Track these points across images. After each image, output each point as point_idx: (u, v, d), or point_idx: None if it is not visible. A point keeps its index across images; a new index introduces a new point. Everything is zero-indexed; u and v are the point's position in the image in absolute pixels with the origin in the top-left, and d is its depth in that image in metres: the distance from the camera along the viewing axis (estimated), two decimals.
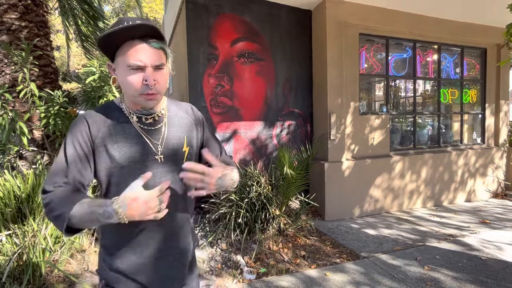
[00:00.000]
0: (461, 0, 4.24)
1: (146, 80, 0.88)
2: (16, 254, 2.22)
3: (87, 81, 3.22)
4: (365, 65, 4.53)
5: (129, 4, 18.45)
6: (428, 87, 5.63)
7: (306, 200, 3.59)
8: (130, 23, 0.83)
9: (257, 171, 3.59)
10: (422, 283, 2.43)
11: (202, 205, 3.44)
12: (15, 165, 3.39)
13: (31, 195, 2.64)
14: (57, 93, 3.35)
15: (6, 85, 3.26)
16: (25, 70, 3.28)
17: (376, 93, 5.32)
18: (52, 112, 3.23)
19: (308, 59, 4.37)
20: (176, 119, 1.05)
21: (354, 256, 2.94)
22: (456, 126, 5.52)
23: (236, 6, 3.87)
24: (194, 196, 1.09)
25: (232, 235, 3.00)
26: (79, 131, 0.90)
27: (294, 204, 3.84)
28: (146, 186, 0.94)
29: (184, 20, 3.74)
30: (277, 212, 3.25)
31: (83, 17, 5.10)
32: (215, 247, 3.01)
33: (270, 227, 3.17)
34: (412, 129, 4.99)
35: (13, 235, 2.40)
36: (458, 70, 5.36)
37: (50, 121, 3.23)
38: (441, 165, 4.82)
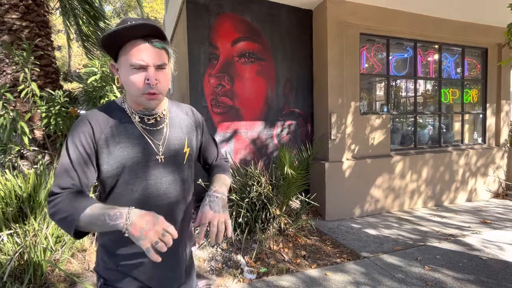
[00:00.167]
0: (461, 0, 4.24)
1: (148, 80, 0.88)
2: (17, 254, 2.22)
3: (88, 81, 3.22)
4: (366, 65, 4.53)
5: (130, 4, 18.46)
6: (429, 87, 5.63)
7: (307, 200, 3.59)
8: (134, 23, 0.84)
9: (258, 171, 3.59)
10: (422, 283, 2.43)
11: None
12: (16, 164, 3.40)
13: (32, 195, 2.64)
14: (58, 93, 3.35)
15: (7, 85, 3.27)
16: (26, 70, 3.29)
17: (376, 93, 5.31)
18: (53, 112, 3.24)
19: (308, 59, 4.37)
20: (177, 120, 1.06)
21: (355, 256, 2.94)
22: (457, 126, 5.51)
23: (236, 6, 3.87)
24: (194, 196, 1.09)
25: (233, 235, 3.00)
26: (81, 133, 0.90)
27: (295, 204, 3.84)
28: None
29: (184, 20, 3.75)
30: (278, 212, 3.26)
31: (84, 17, 5.11)
32: (215, 246, 3.01)
33: (271, 226, 3.18)
34: (412, 129, 4.98)
35: (14, 234, 2.40)
36: (459, 70, 5.36)
37: (51, 121, 3.24)
38: (442, 165, 4.82)
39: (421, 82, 5.39)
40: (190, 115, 1.12)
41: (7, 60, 3.59)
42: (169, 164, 0.99)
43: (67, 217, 0.82)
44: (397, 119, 5.13)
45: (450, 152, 4.93)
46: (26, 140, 3.08)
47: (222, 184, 1.06)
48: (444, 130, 5.41)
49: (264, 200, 3.15)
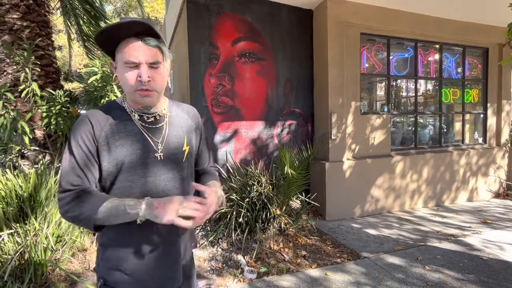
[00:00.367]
0: (462, 0, 4.23)
1: (140, 77, 0.90)
2: (18, 253, 2.23)
3: (89, 81, 3.23)
4: (366, 65, 4.53)
5: (131, 4, 18.48)
6: (429, 86, 5.62)
7: (307, 199, 3.59)
8: (123, 21, 0.86)
9: (258, 171, 3.59)
10: (423, 283, 2.43)
11: None
12: (17, 164, 3.40)
13: (32, 194, 2.65)
14: (58, 92, 3.36)
15: (8, 85, 3.27)
16: (27, 69, 3.29)
17: (377, 93, 5.31)
18: (53, 111, 3.25)
19: (309, 59, 4.37)
20: (177, 119, 1.07)
21: (355, 256, 2.94)
22: (457, 126, 5.51)
23: (237, 6, 3.87)
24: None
25: (233, 235, 3.00)
26: (83, 131, 0.91)
27: (295, 203, 3.84)
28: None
29: (185, 20, 3.75)
30: (278, 212, 3.26)
31: (84, 17, 5.12)
32: (216, 246, 3.01)
33: (271, 226, 3.18)
34: (413, 128, 4.98)
35: (15, 234, 2.41)
36: (459, 69, 5.35)
37: (51, 120, 3.25)
38: (443, 165, 4.81)
39: (421, 82, 5.38)
40: (191, 115, 1.13)
41: (8, 60, 3.60)
42: (168, 161, 1.00)
43: (83, 213, 0.86)
44: (397, 119, 5.12)
45: (451, 152, 4.93)
46: (26, 139, 3.08)
47: (219, 191, 1.07)
48: (445, 130, 5.40)
49: (265, 200, 3.15)
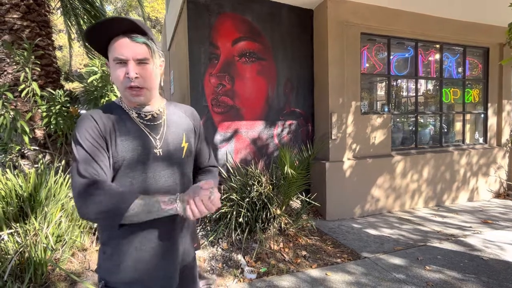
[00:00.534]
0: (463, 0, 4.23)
1: (128, 73, 0.90)
2: (18, 253, 2.23)
3: (89, 81, 3.23)
4: (367, 65, 4.52)
5: (131, 4, 18.47)
6: (430, 86, 5.61)
7: (307, 199, 3.59)
8: (107, 18, 0.88)
9: (258, 171, 3.59)
10: (423, 283, 2.42)
11: None
12: (17, 164, 3.40)
13: (32, 194, 2.65)
14: (59, 92, 3.36)
15: (8, 84, 3.27)
16: (27, 69, 3.29)
17: (377, 93, 5.30)
18: (53, 111, 3.25)
19: (309, 59, 4.37)
20: (175, 117, 1.08)
21: (355, 256, 2.94)
22: (458, 125, 5.50)
23: (237, 6, 3.87)
24: None
25: (233, 235, 3.00)
26: (89, 127, 0.92)
27: (295, 203, 3.84)
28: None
29: (185, 20, 3.74)
30: (278, 212, 3.25)
31: (85, 16, 5.12)
32: (216, 246, 3.01)
33: (271, 226, 3.17)
34: (414, 128, 4.97)
35: (15, 233, 2.41)
36: (460, 69, 5.34)
37: (51, 120, 3.25)
38: (443, 165, 4.80)
39: (422, 81, 5.37)
40: (189, 114, 1.14)
41: (8, 60, 3.59)
42: (168, 158, 1.01)
43: (112, 209, 0.84)
44: (398, 119, 5.12)
45: (451, 152, 4.92)
46: (26, 139, 3.08)
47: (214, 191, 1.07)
48: (445, 130, 5.39)
49: (265, 199, 3.15)
